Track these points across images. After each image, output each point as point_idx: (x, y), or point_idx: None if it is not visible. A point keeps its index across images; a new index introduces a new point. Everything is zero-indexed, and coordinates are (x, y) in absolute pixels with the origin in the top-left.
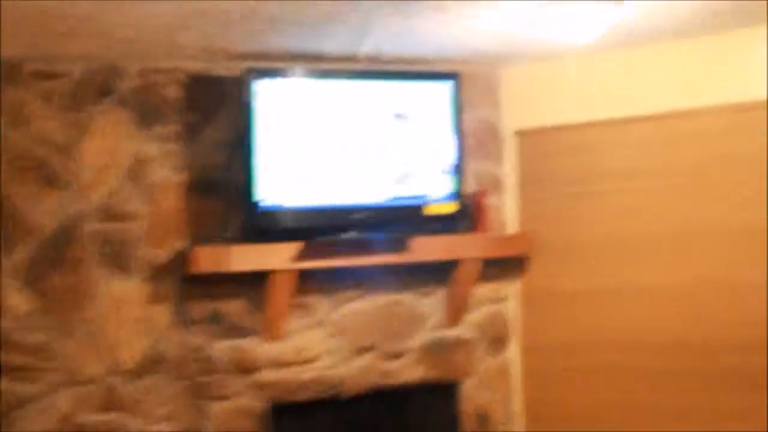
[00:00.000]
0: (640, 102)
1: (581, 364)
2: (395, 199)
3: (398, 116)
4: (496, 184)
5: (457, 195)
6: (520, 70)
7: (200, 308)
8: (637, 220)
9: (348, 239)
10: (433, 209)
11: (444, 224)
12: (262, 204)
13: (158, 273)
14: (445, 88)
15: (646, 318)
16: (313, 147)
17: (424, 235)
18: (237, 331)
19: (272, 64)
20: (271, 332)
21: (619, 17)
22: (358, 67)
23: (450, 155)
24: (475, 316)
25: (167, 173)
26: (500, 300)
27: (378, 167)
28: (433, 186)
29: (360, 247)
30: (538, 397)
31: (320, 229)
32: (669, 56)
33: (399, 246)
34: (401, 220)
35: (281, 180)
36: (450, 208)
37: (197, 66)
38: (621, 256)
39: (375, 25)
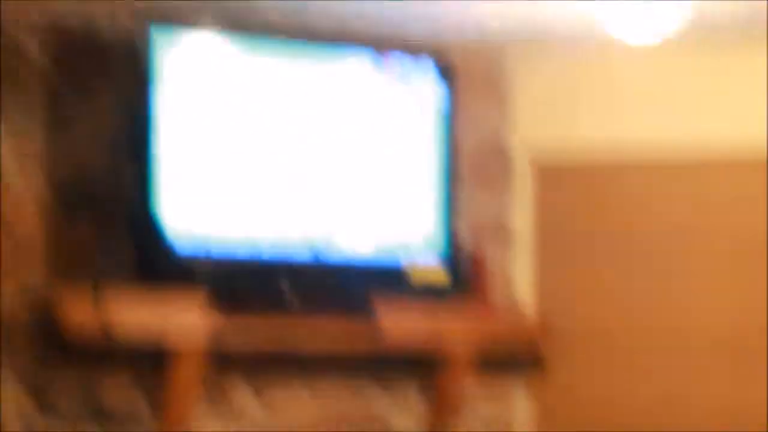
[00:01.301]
0: (717, 129)
1: None
2: (358, 249)
3: (361, 119)
4: (502, 232)
5: (447, 248)
6: (541, 68)
7: (68, 391)
8: (704, 304)
9: (287, 304)
10: (415, 269)
11: (429, 297)
12: (164, 234)
13: (6, 323)
14: (430, 82)
15: None
16: (243, 151)
17: (396, 300)
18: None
19: (181, 15)
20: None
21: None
22: (306, 30)
23: (434, 186)
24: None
25: (19, 179)
26: (504, 406)
27: (334, 196)
28: (412, 234)
29: (305, 318)
30: None
31: (248, 285)
32: (748, 69)
33: (363, 324)
34: (366, 283)
35: (191, 200)
36: (440, 275)
37: (67, 10)
38: (680, 358)
39: None
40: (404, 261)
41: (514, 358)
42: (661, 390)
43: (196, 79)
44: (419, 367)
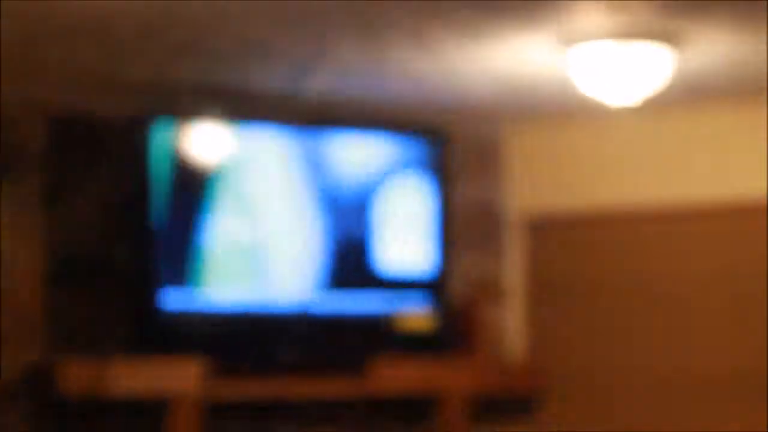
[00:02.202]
0: (698, 186)
1: None
2: (350, 304)
3: (357, 186)
4: (495, 290)
5: (439, 303)
6: (531, 134)
7: None
8: (697, 348)
9: (281, 359)
10: (406, 323)
11: (420, 345)
12: (160, 303)
13: (3, 397)
14: (425, 150)
15: None
16: (235, 223)
17: (391, 357)
18: None
19: (175, 102)
20: None
21: (675, 72)
22: (301, 113)
23: (430, 245)
24: None
25: (18, 252)
26: None
27: (327, 256)
28: (405, 289)
29: (299, 371)
30: None
31: (242, 343)
32: (732, 126)
33: (354, 371)
34: (359, 336)
35: (188, 268)
36: (429, 322)
37: (68, 99)
38: (675, 402)
39: (327, 59)
40: (394, 312)
41: (506, 406)
42: None
43: (190, 157)
44: (412, 415)
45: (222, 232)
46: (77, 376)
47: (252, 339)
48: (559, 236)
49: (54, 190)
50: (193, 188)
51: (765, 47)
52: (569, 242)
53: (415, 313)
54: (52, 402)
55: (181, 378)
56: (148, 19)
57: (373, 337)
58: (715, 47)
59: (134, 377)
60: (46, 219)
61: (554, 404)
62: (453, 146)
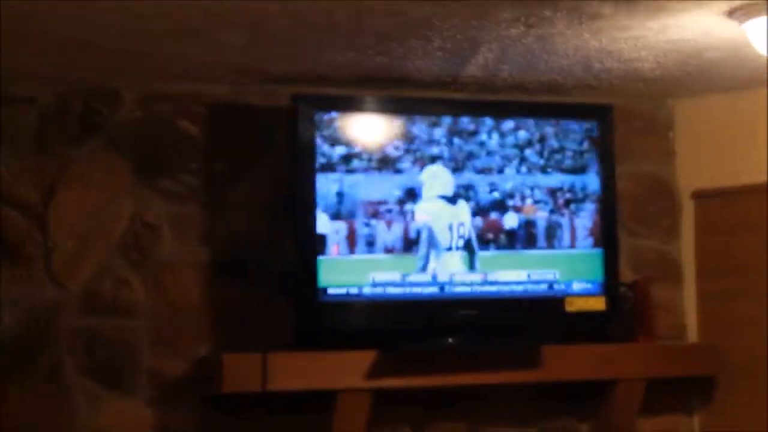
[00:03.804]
0: None
1: None
2: (519, 285)
3: (522, 165)
4: (668, 270)
5: (609, 284)
6: (700, 108)
7: None
8: None
9: (449, 348)
10: (577, 304)
11: (590, 327)
12: (324, 293)
13: (170, 391)
14: (590, 127)
15: None
16: (400, 210)
17: (562, 341)
18: None
19: (331, 90)
20: None
21: None
22: (462, 96)
23: (597, 224)
24: None
25: (181, 247)
26: None
27: (492, 237)
28: (573, 269)
29: (467, 360)
30: None
31: (407, 331)
32: None
33: (526, 358)
34: (530, 319)
35: (352, 259)
36: (599, 303)
37: (223, 91)
38: None
39: (485, 39)
40: (564, 292)
41: (683, 389)
42: None
43: (353, 146)
44: (584, 400)
45: (386, 219)
46: (243, 370)
47: (418, 325)
48: (728, 212)
49: (214, 183)
50: (357, 177)
51: None
52: (739, 218)
53: (585, 294)
54: (219, 397)
55: (348, 371)
56: (302, 7)
57: (542, 318)
58: None
59: (300, 370)
60: (207, 212)
61: (729, 390)
62: (621, 122)
